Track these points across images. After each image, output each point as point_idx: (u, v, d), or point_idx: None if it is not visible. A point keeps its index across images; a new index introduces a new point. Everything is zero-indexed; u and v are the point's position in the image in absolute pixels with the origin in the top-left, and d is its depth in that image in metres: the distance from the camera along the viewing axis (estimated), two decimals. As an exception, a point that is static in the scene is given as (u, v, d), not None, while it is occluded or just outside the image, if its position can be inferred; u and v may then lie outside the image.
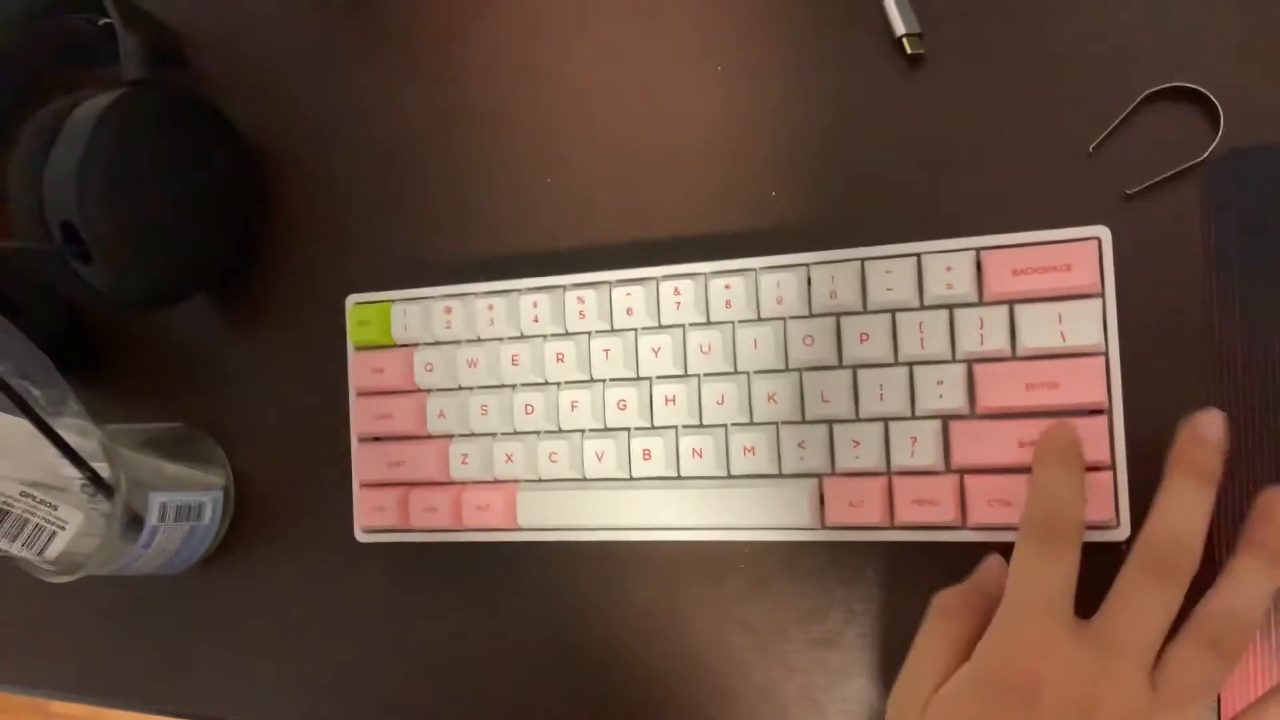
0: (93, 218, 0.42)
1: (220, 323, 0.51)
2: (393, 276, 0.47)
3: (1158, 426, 0.36)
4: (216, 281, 0.50)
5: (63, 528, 0.44)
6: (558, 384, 0.42)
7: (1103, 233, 0.35)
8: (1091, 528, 0.35)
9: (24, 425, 0.40)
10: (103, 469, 0.43)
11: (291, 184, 0.50)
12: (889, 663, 0.39)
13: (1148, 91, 0.37)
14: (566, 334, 0.42)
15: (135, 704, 0.52)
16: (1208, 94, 0.36)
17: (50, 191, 0.42)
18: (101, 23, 0.49)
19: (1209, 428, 0.32)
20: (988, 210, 0.39)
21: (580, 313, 0.41)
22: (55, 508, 0.44)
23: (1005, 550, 0.37)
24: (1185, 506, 0.31)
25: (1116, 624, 0.31)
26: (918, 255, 0.37)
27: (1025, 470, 0.36)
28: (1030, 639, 0.30)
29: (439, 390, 0.44)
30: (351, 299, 0.45)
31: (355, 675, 0.47)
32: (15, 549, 0.42)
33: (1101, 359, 0.35)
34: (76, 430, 0.43)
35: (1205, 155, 0.36)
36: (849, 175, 0.41)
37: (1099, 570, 0.37)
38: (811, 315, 0.38)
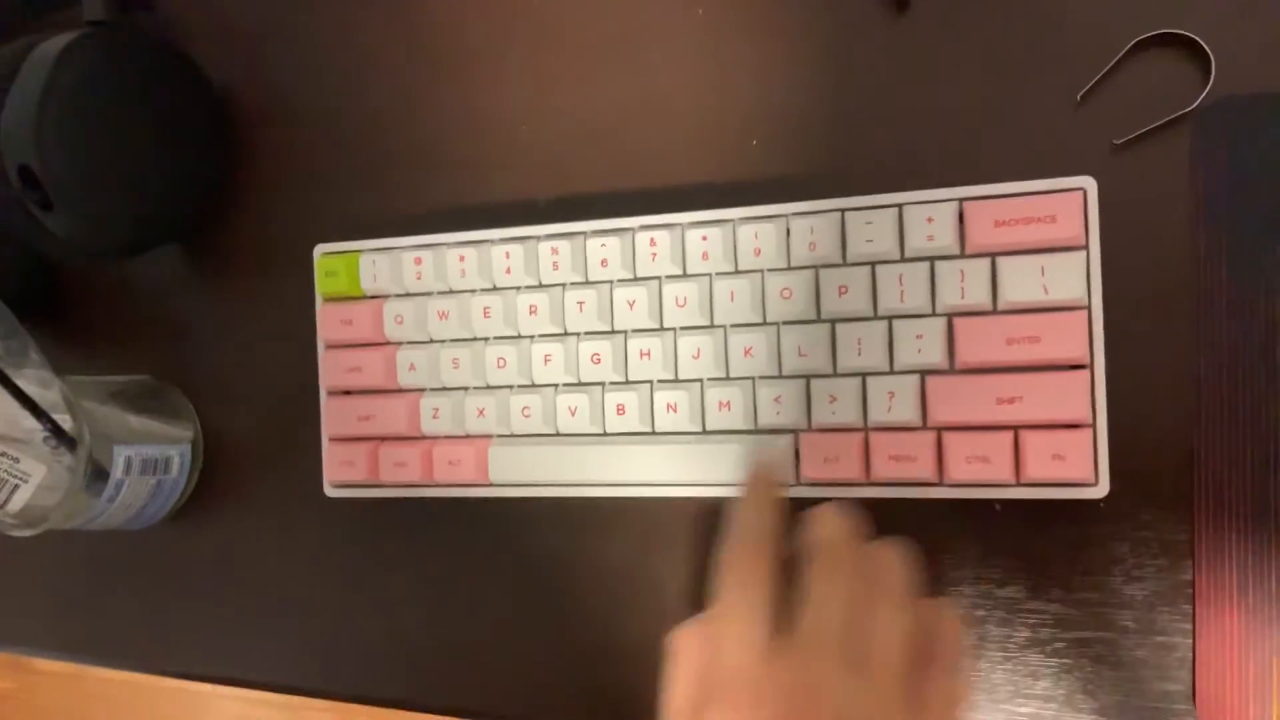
0: (52, 162, 0.40)
1: (187, 273, 0.50)
2: (363, 227, 0.46)
3: (1139, 382, 0.36)
4: (183, 231, 0.49)
5: (25, 480, 0.43)
6: (530, 337, 0.41)
7: (1088, 183, 0.34)
8: (1069, 485, 0.35)
9: (-18, 375, 0.39)
10: (65, 421, 0.42)
11: (260, 132, 0.48)
12: (864, 620, 0.38)
13: (1138, 38, 0.36)
14: (540, 286, 0.41)
15: (103, 660, 0.51)
16: (1199, 41, 0.35)
17: (7, 134, 0.41)
18: (61, -39, 0.47)
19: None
20: (972, 161, 0.38)
21: (554, 264, 0.40)
22: (17, 460, 0.43)
23: (978, 508, 0.37)
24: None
25: (816, 626, 0.31)
26: (899, 206, 0.36)
27: (1004, 428, 0.35)
28: (742, 668, 0.30)
29: (409, 343, 0.43)
30: (319, 249, 0.44)
31: (324, 630, 0.46)
32: (-24, 502, 0.41)
33: (1084, 313, 0.34)
34: (38, 382, 0.42)
35: (1195, 104, 0.35)
36: (831, 124, 0.40)
37: (1077, 530, 0.36)
38: (790, 268, 0.38)
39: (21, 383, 0.41)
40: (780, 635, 0.31)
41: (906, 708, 0.30)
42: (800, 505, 0.38)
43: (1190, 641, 0.35)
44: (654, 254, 0.39)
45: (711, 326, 0.39)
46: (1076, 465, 0.34)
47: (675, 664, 0.32)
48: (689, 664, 0.32)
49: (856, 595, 0.31)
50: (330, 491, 0.44)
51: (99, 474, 0.43)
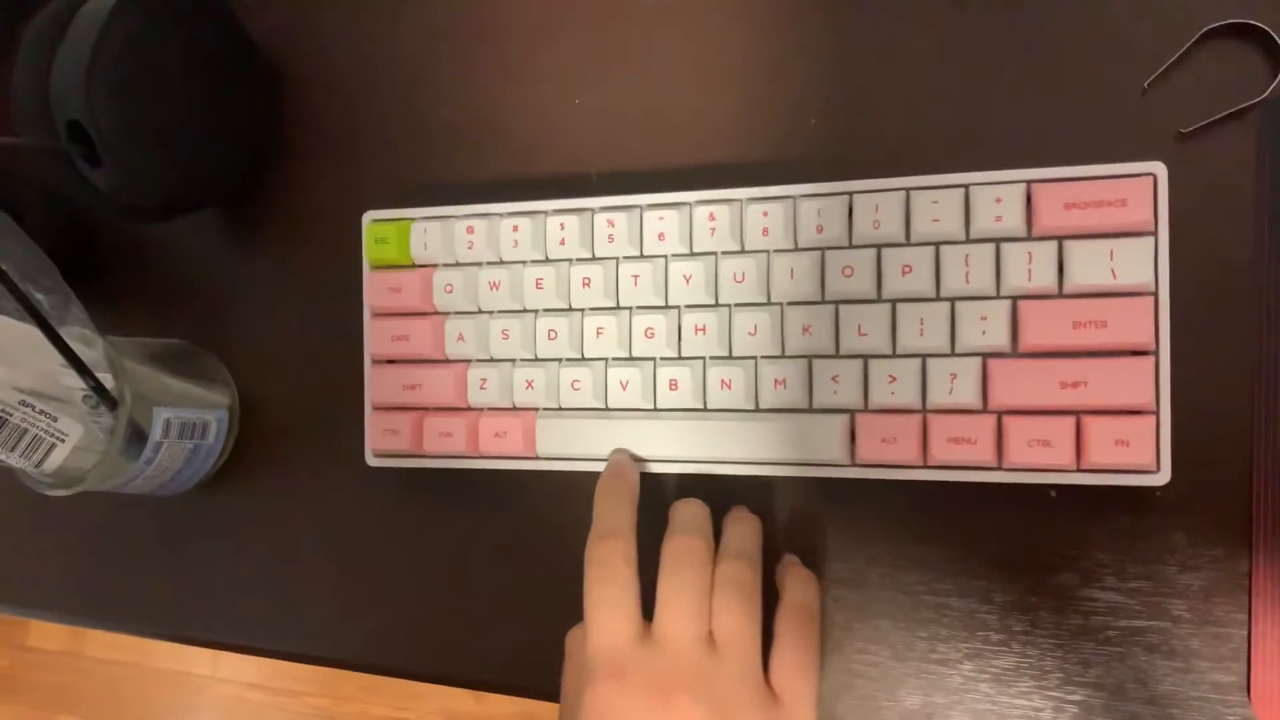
0: (100, 117, 0.40)
1: (231, 237, 0.49)
2: (411, 195, 0.45)
3: (1203, 371, 0.35)
4: (228, 193, 0.48)
5: (62, 440, 0.43)
6: (582, 310, 0.41)
7: (1159, 169, 0.34)
8: (1130, 472, 0.35)
9: (24, 330, 0.39)
10: (106, 380, 0.41)
11: (309, 94, 0.48)
12: (913, 604, 0.38)
13: (1208, 27, 0.36)
14: (594, 258, 0.40)
15: (128, 627, 0.51)
16: (1270, 31, 0.35)
17: (57, 89, 0.40)
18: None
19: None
20: (1034, 145, 0.38)
21: (609, 236, 0.40)
22: (55, 419, 0.43)
23: (1033, 494, 0.37)
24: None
25: (666, 615, 0.35)
26: (966, 186, 0.36)
27: (1067, 412, 0.35)
28: (606, 658, 0.34)
29: (458, 313, 0.42)
30: (369, 215, 0.44)
31: (360, 603, 0.46)
32: (13, 459, 0.41)
33: (1151, 299, 0.34)
34: (80, 339, 0.41)
35: (1264, 95, 0.35)
36: (892, 104, 0.40)
37: (1133, 518, 0.36)
38: (852, 246, 0.37)
39: (65, 339, 0.40)
40: (643, 623, 0.35)
41: (759, 688, 0.34)
42: (854, 489, 0.38)
43: (1245, 633, 0.35)
44: (712, 229, 0.39)
45: (769, 303, 0.38)
46: (1140, 451, 0.34)
47: (565, 659, 0.38)
48: (572, 658, 0.37)
49: (702, 585, 0.35)
50: (372, 461, 0.44)
51: (136, 437, 0.42)
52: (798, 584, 0.37)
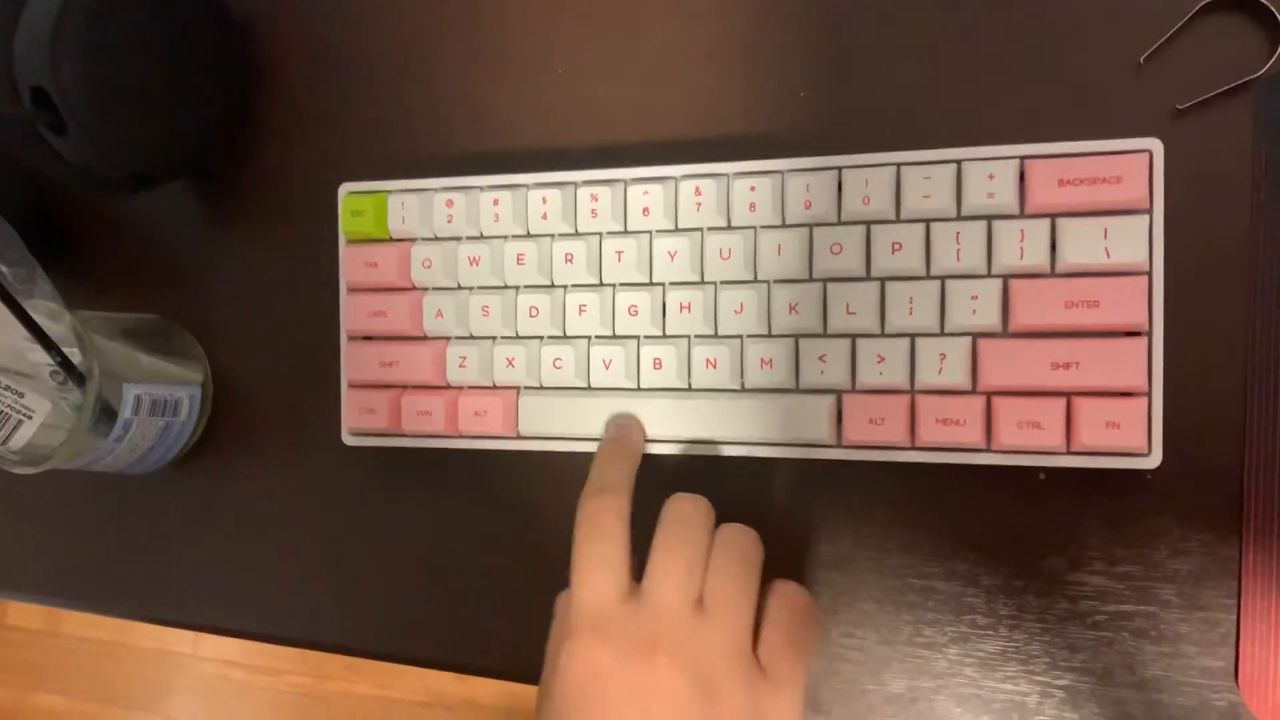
0: (67, 83, 0.38)
1: (202, 210, 0.48)
2: (390, 167, 0.44)
3: (1195, 353, 0.35)
4: (199, 165, 0.47)
5: (29, 416, 0.42)
6: (565, 286, 0.40)
7: (1155, 145, 0.33)
8: (1121, 454, 0.34)
9: (-12, 304, 0.38)
10: (74, 356, 0.40)
11: (283, 62, 0.46)
12: (899, 587, 0.38)
13: (1204, 2, 0.35)
14: (577, 234, 0.39)
15: (101, 607, 0.50)
16: (1269, 5, 0.34)
17: (21, 54, 0.39)
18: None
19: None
20: (1030, 120, 0.37)
21: (593, 211, 0.39)
22: (21, 395, 0.42)
23: (1022, 476, 0.36)
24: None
25: (656, 572, 0.33)
26: (958, 162, 0.35)
27: (1058, 393, 0.34)
28: (588, 613, 0.32)
29: (437, 289, 0.41)
30: (345, 188, 0.42)
31: (337, 584, 0.45)
32: (-22, 436, 0.40)
33: (1144, 279, 0.33)
34: (47, 314, 0.40)
35: (1262, 71, 0.34)
36: (884, 77, 0.39)
37: (1123, 501, 0.36)
38: (840, 222, 0.36)
39: (31, 313, 0.39)
40: (631, 583, 0.33)
41: (745, 657, 0.32)
42: (841, 470, 0.38)
43: (1234, 618, 0.35)
44: (698, 204, 0.38)
45: (755, 281, 0.37)
46: (1131, 434, 0.33)
47: (553, 620, 0.35)
48: (557, 617, 0.35)
49: (699, 549, 0.33)
50: (348, 440, 0.43)
51: (106, 413, 0.41)
52: (789, 584, 0.35)
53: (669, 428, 0.38)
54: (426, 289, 0.41)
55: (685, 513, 0.34)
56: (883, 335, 0.36)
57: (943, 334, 0.35)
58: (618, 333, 0.39)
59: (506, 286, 0.40)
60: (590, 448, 0.39)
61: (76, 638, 1.59)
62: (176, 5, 0.43)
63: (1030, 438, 0.34)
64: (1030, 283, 0.34)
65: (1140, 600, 0.36)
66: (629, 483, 0.35)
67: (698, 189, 0.38)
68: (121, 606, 0.49)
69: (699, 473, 0.40)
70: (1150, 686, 0.35)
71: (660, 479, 0.40)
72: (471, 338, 0.41)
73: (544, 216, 0.39)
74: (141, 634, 1.55)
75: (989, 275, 0.35)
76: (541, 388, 0.40)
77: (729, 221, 0.38)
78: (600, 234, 0.39)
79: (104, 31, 0.39)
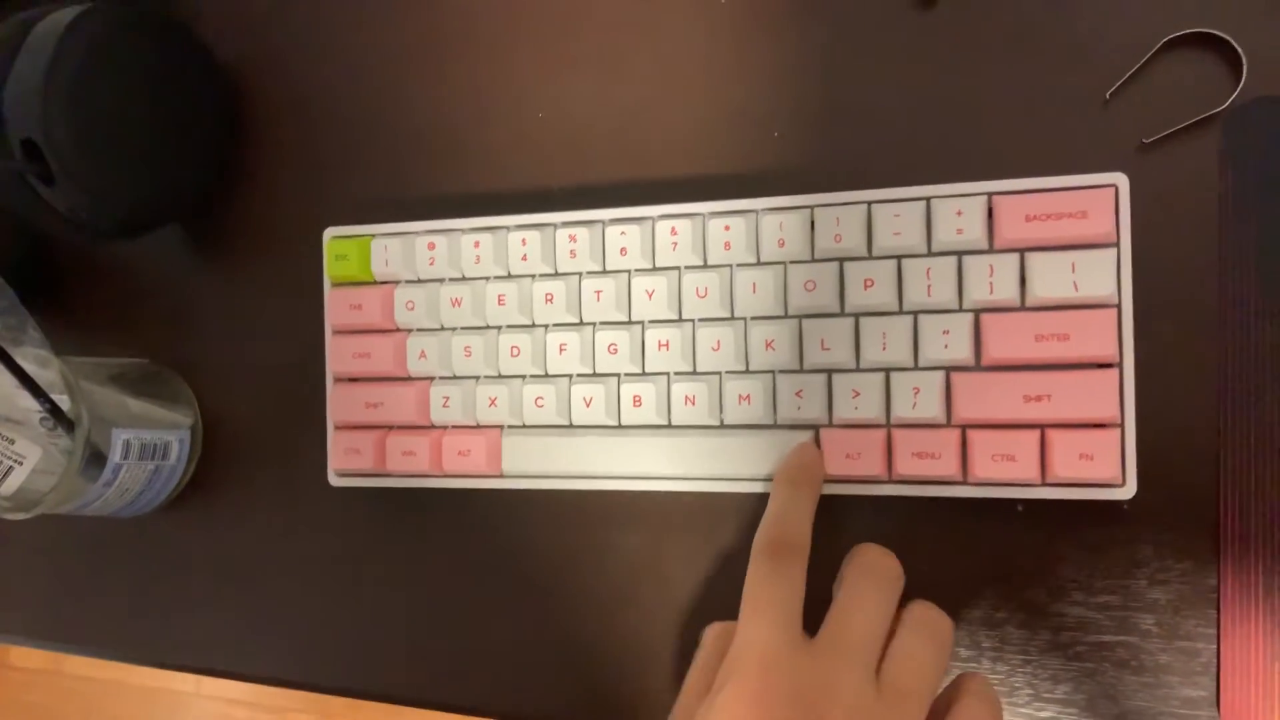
0: (56, 135, 0.39)
1: (189, 255, 0.48)
2: (373, 211, 0.45)
3: (1167, 383, 0.35)
4: (187, 211, 0.47)
5: (19, 462, 0.42)
6: (545, 326, 0.40)
7: (1120, 180, 0.34)
8: (1096, 485, 0.34)
9: (-22, 352, 0.38)
10: (63, 402, 0.41)
11: (268, 110, 0.47)
12: (881, 621, 0.38)
13: (1169, 37, 0.36)
14: (556, 274, 0.40)
15: (92, 650, 0.50)
16: (1231, 41, 0.35)
17: (11, 107, 0.40)
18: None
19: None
20: (997, 156, 0.38)
21: (571, 252, 0.39)
22: (12, 441, 0.42)
23: (999, 508, 0.37)
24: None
25: (839, 631, 0.31)
26: (927, 199, 0.36)
27: (1031, 426, 0.34)
28: (760, 656, 0.30)
29: (420, 330, 0.42)
30: (329, 232, 0.43)
31: (325, 624, 0.45)
32: (-32, 483, 0.40)
33: (1114, 311, 0.34)
34: (36, 360, 0.41)
35: (1226, 105, 0.35)
36: (856, 116, 0.39)
37: (1100, 532, 0.36)
38: (814, 260, 0.37)
39: (19, 361, 0.39)
40: (804, 632, 0.31)
41: None
42: (821, 504, 0.38)
43: (1214, 647, 0.35)
44: (674, 243, 0.38)
45: (732, 318, 0.38)
46: (1104, 465, 0.34)
47: (700, 650, 0.33)
48: (712, 651, 0.33)
49: (885, 609, 0.31)
50: (335, 480, 0.43)
51: (96, 458, 0.42)
52: (985, 683, 0.33)
53: (649, 465, 0.38)
54: (410, 330, 0.42)
55: (878, 564, 0.33)
56: (858, 370, 0.36)
57: (916, 368, 0.36)
58: (598, 371, 0.39)
59: (488, 327, 0.41)
60: (574, 485, 0.40)
61: (78, 677, 1.59)
62: (164, 57, 0.44)
63: (1005, 470, 0.35)
64: (1001, 316, 0.35)
65: (1120, 630, 0.36)
66: (811, 522, 0.34)
67: (674, 229, 0.38)
68: (115, 650, 0.49)
69: (680, 509, 0.40)
70: (1133, 717, 0.35)
71: (639, 516, 0.41)
72: (454, 378, 0.41)
73: (524, 258, 0.40)
74: (144, 673, 1.54)
75: (960, 310, 0.35)
76: (524, 426, 0.40)
77: (705, 260, 0.38)
78: (579, 274, 0.40)
79: (94, 84, 0.40)
